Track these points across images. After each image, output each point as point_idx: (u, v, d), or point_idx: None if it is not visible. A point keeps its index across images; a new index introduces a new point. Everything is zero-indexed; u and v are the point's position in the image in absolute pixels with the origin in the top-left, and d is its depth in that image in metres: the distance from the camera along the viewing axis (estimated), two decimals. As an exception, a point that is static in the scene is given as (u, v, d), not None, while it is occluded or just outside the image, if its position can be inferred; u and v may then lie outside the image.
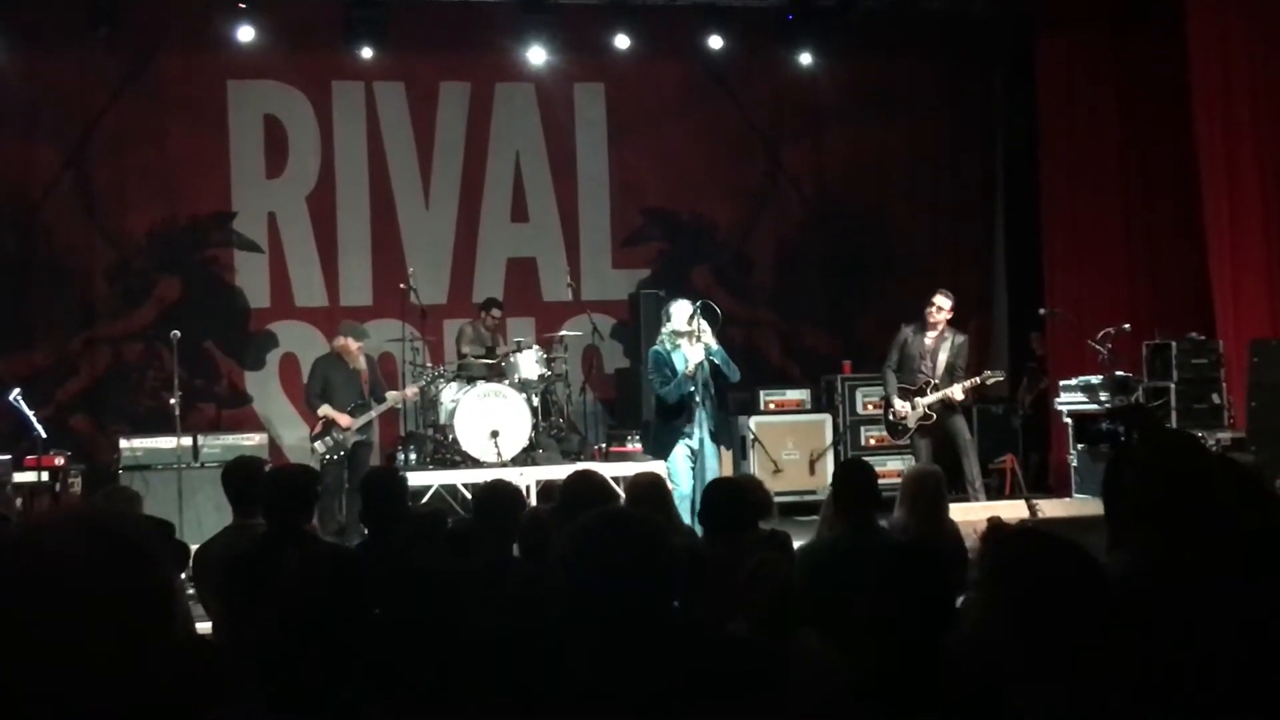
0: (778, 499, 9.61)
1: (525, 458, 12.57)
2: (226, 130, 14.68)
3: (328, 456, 12.06)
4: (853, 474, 6.22)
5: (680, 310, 10.28)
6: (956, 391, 11.70)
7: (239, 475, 6.46)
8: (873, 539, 5.65)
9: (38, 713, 1.54)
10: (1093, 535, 3.66)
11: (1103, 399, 12.45)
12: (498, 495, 5.97)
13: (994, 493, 13.26)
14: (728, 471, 11.92)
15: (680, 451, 10.16)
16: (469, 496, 12.33)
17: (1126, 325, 12.63)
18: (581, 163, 15.66)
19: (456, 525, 6.45)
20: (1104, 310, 13.64)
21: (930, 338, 11.99)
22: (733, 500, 5.85)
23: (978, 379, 11.80)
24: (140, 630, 1.62)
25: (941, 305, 11.93)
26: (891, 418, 12.15)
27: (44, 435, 12.03)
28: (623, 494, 7.29)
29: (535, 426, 12.82)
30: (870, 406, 14.35)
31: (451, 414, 12.63)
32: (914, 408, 11.91)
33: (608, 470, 10.05)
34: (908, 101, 16.16)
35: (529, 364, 13.03)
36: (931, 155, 16.33)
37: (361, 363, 12.37)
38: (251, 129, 14.77)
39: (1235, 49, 12.65)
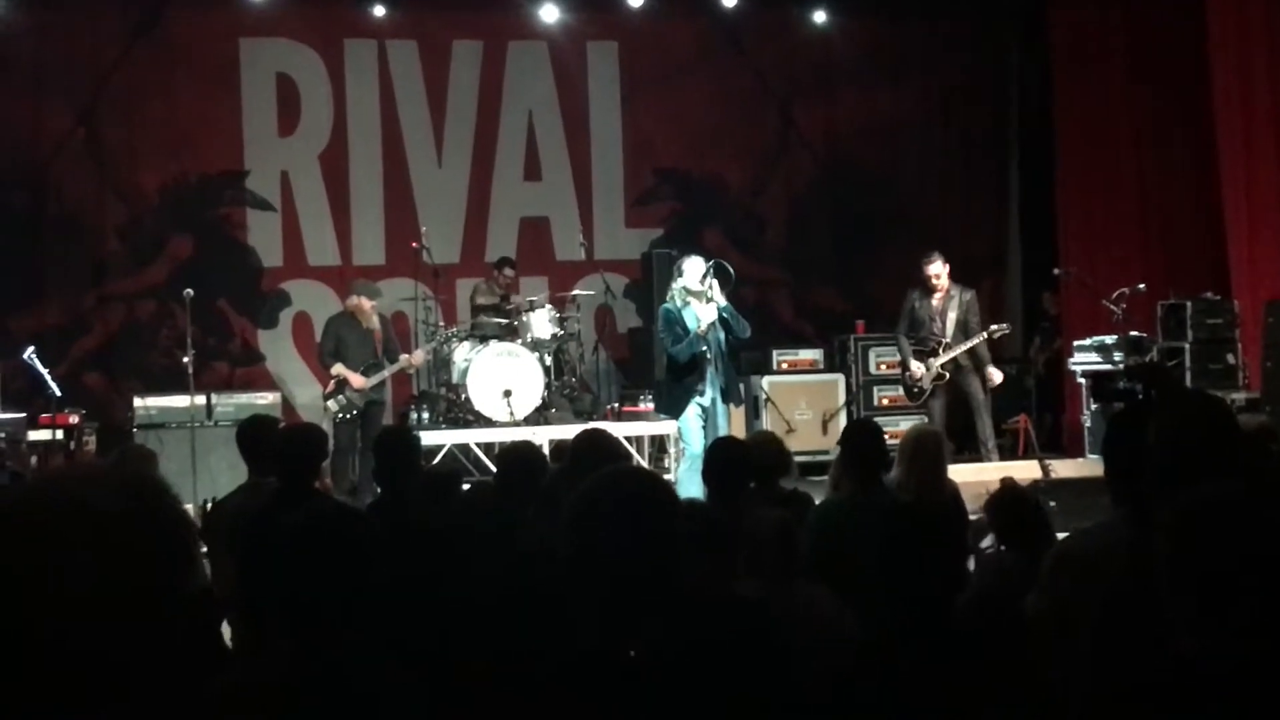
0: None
1: (538, 417, 12.60)
2: (239, 88, 14.67)
3: (340, 415, 12.12)
4: (860, 434, 6.25)
5: (694, 266, 10.25)
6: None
7: (252, 434, 6.50)
8: (879, 499, 5.67)
9: (64, 660, 1.58)
10: (1105, 496, 3.69)
11: (1117, 359, 12.45)
12: (521, 457, 5.99)
13: (1007, 453, 13.29)
14: (739, 430, 11.95)
15: (692, 411, 10.17)
16: (482, 456, 12.41)
17: (1141, 285, 12.62)
18: (594, 122, 15.64)
19: (475, 487, 6.48)
20: (1118, 270, 13.61)
21: (937, 298, 12.01)
22: (735, 460, 5.87)
23: (985, 333, 11.85)
24: (168, 585, 1.66)
25: (936, 272, 11.95)
26: (907, 380, 12.17)
27: (58, 393, 12.08)
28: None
29: (548, 386, 12.84)
30: (883, 366, 14.36)
31: (464, 373, 12.67)
32: (928, 369, 11.94)
33: (620, 430, 10.10)
34: (921, 61, 16.10)
35: (542, 323, 13.05)
36: (944, 115, 16.29)
37: (375, 322, 12.40)
38: (264, 87, 14.76)
39: (1254, 7, 12.57)
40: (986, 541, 5.99)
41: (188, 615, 1.66)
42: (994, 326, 11.99)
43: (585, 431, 6.18)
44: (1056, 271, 13.87)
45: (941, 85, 16.20)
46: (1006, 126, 16.57)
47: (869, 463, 5.94)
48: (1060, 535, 4.91)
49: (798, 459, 10.88)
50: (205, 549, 6.40)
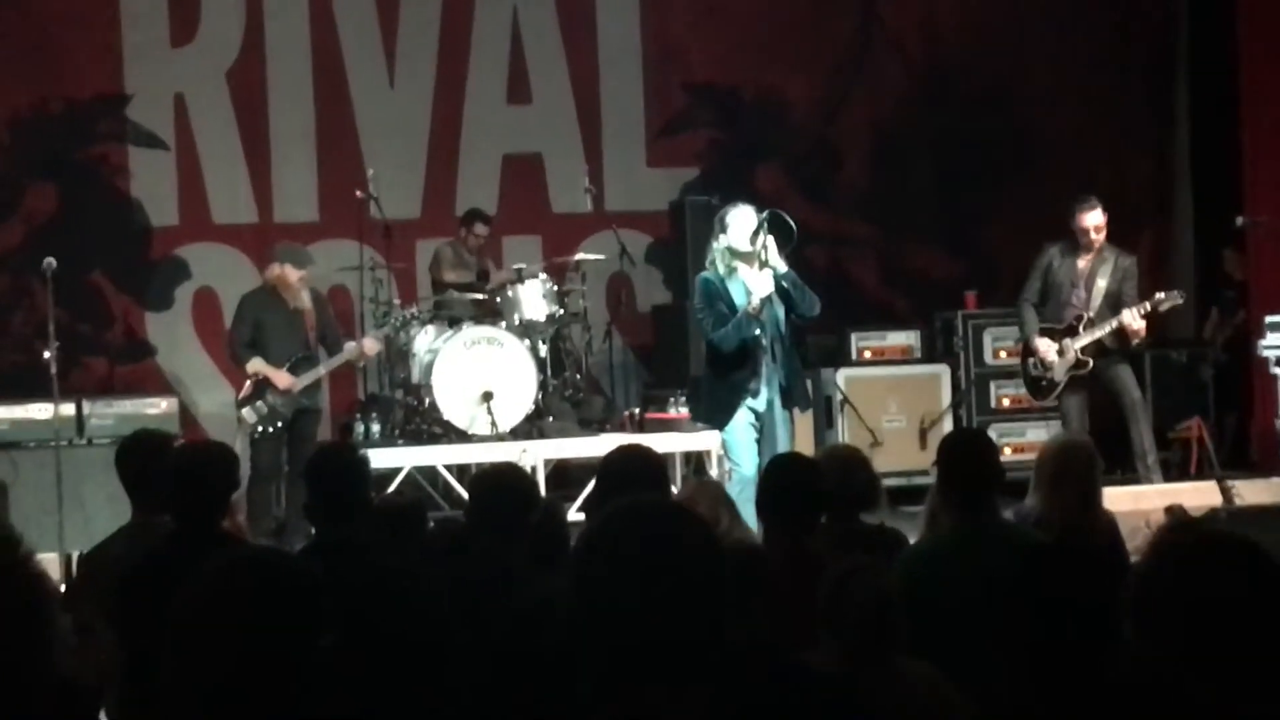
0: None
1: (529, 428, 12.61)
2: (116, -18, 14.72)
3: (261, 429, 12.12)
4: (962, 449, 6.24)
5: (742, 220, 10.22)
6: (1132, 317, 11.60)
7: (139, 455, 6.50)
8: (996, 535, 5.67)
9: None
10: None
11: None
12: (501, 485, 6.01)
13: (1174, 471, 13.25)
14: (806, 445, 11.94)
15: (741, 418, 10.15)
16: (453, 482, 12.41)
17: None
18: (603, 22, 15.64)
19: (443, 525, 6.51)
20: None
21: (1085, 259, 11.95)
22: (801, 485, 5.88)
23: (1148, 304, 11.75)
24: (9, 666, 1.67)
25: (1096, 223, 11.88)
26: (1033, 369, 12.14)
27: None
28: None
29: (543, 386, 12.85)
30: (1004, 354, 14.33)
31: (428, 369, 12.67)
32: (1062, 353, 11.89)
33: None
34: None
35: (534, 299, 13.05)
36: (1087, 6, 16.23)
37: (305, 300, 12.40)
38: (150, -20, 14.81)
39: None
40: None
41: (44, 716, 1.67)
42: (1160, 295, 11.92)
43: (621, 449, 6.22)
44: (1240, 221, 13.80)
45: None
46: (1172, 25, 16.50)
47: (978, 486, 5.93)
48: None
49: (888, 482, 10.89)
50: (71, 619, 6.42)
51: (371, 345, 12.83)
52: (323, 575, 3.32)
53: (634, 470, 5.96)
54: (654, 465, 6.05)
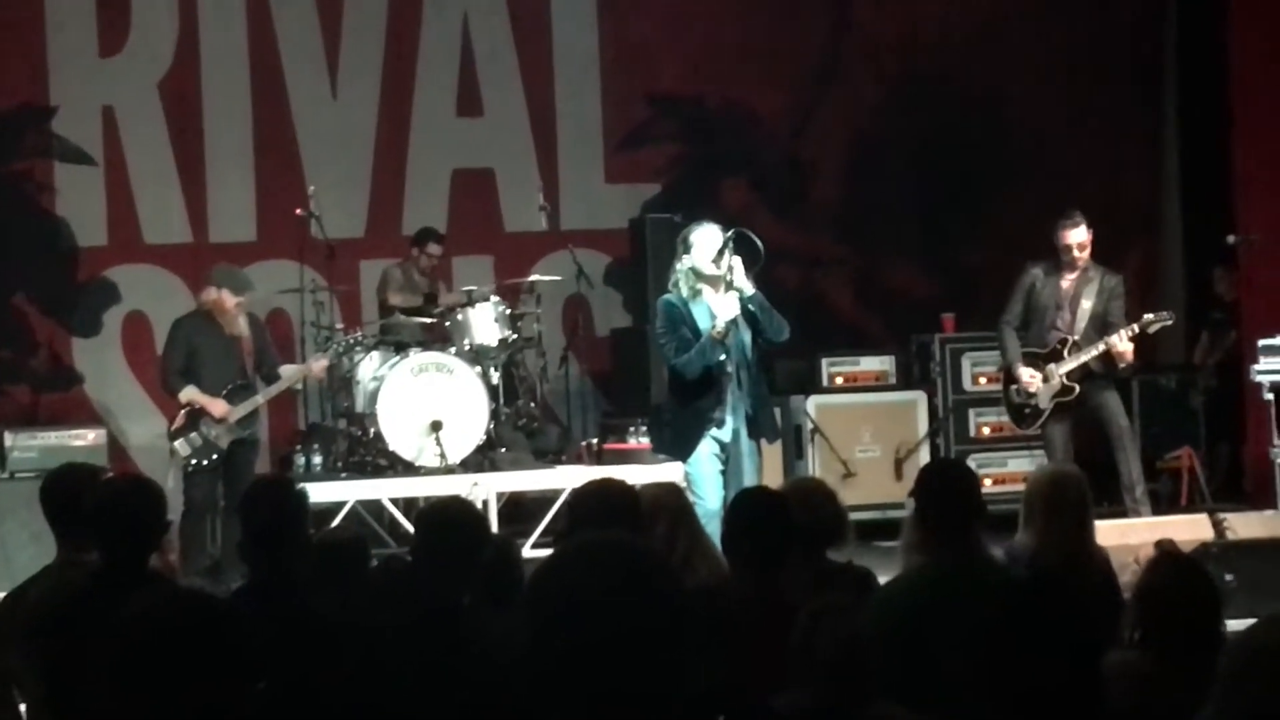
0: (850, 516, 9.63)
1: (481, 460, 12.60)
2: (40, -14, 14.70)
3: (194, 461, 12.09)
4: (941, 480, 6.25)
5: (706, 239, 10.23)
6: (1120, 340, 11.66)
7: (64, 490, 6.47)
8: (978, 573, 5.67)
9: None
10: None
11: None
12: (449, 521, 5.99)
13: (1163, 502, 13.28)
14: (774, 477, 11.94)
15: (706, 449, 10.16)
16: (400, 517, 12.38)
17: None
18: (559, 29, 15.65)
19: (387, 563, 6.48)
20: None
21: (1069, 279, 11.99)
22: (768, 519, 5.88)
23: (1136, 326, 11.79)
24: None
25: (1079, 240, 11.91)
26: (1015, 396, 12.16)
27: None
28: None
29: (495, 415, 12.84)
30: (983, 380, 14.35)
31: (373, 397, 12.65)
32: (1047, 379, 11.92)
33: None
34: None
35: (485, 323, 13.05)
36: (1071, 14, 16.29)
37: (242, 325, 12.38)
38: (77, -15, 14.79)
39: None
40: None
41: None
42: (1148, 316, 11.96)
43: (592, 484, 6.23)
44: (1231, 239, 13.86)
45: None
46: (1161, 36, 16.57)
47: (958, 520, 5.93)
48: (1236, 625, 4.88)
49: (862, 515, 10.92)
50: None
51: (320, 365, 12.81)
52: (256, 617, 3.30)
53: (605, 506, 5.95)
54: (627, 500, 6.03)
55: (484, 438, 12.67)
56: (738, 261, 10.11)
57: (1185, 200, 16.40)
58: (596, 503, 6.01)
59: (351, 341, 13.19)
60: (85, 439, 12.89)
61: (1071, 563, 6.30)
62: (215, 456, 12.15)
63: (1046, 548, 6.37)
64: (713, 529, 8.42)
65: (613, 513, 5.86)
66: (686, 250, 10.28)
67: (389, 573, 6.31)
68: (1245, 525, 10.81)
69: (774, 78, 16.02)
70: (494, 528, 10.99)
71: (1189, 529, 10.29)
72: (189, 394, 12.15)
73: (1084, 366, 11.87)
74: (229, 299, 12.33)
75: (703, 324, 10.08)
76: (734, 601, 4.35)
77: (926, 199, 16.07)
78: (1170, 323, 12.36)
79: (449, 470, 12.28)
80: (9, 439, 12.67)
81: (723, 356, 10.07)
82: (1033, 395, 12.00)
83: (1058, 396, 11.92)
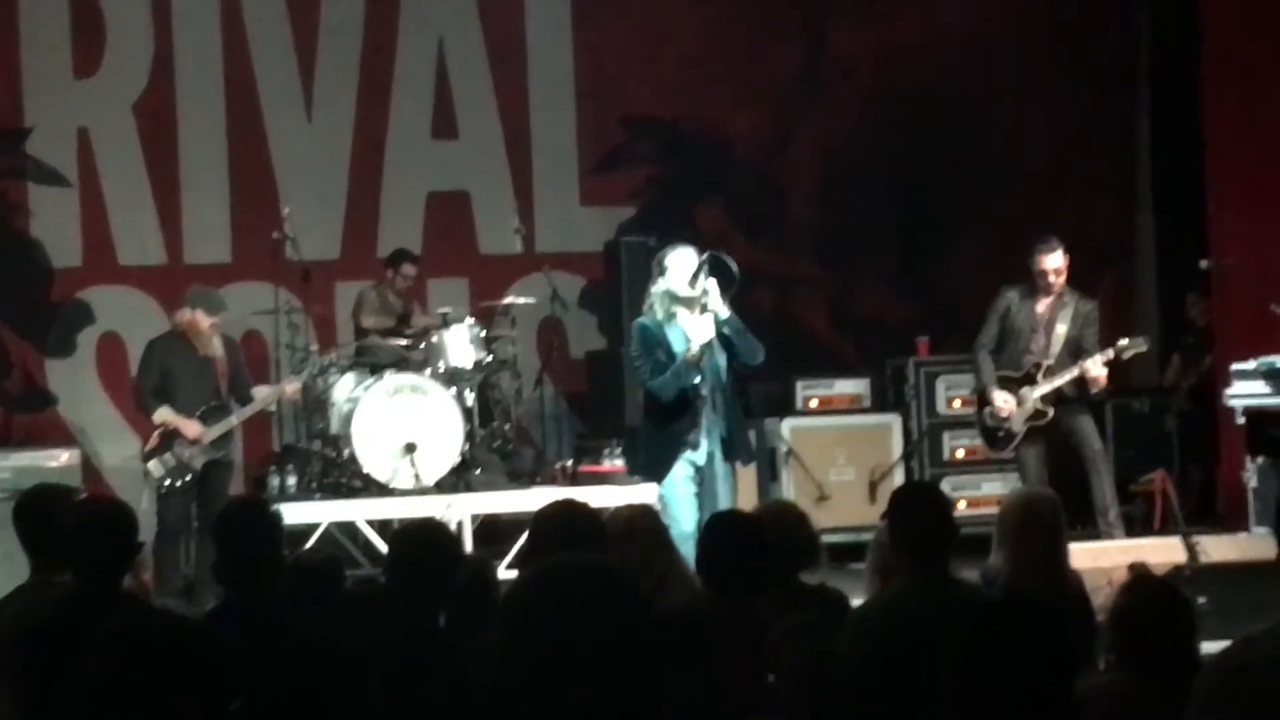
0: (824, 539, 9.65)
1: (455, 481, 12.58)
2: (15, 6, 14.65)
3: (169, 482, 12.08)
4: (912, 503, 6.25)
5: (681, 262, 10.24)
6: (1094, 365, 11.67)
7: (37, 511, 6.46)
8: (951, 596, 5.67)
9: None
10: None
11: (1295, 389, 12.48)
12: (423, 542, 6.00)
13: (1137, 526, 13.29)
14: (749, 500, 11.94)
15: (680, 472, 10.16)
16: (374, 538, 12.36)
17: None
18: (534, 51, 15.66)
19: (361, 584, 6.47)
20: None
21: (1044, 304, 12.01)
22: (742, 541, 5.88)
23: (1111, 351, 11.82)
24: None
25: (1056, 266, 11.93)
26: (989, 419, 12.17)
27: None
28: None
29: (470, 436, 12.83)
30: (957, 403, 14.37)
31: (348, 419, 12.64)
32: (1020, 403, 11.93)
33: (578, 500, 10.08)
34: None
35: (460, 345, 13.04)
36: (1048, 35, 16.33)
37: (217, 346, 12.37)
38: (52, 5, 14.75)
39: None
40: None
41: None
42: (1123, 342, 11.99)
43: (554, 505, 6.22)
44: (1205, 264, 13.88)
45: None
46: (1133, 55, 16.61)
47: (930, 544, 5.94)
48: (1211, 646, 4.90)
49: (836, 538, 10.93)
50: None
51: (294, 386, 12.80)
52: (230, 638, 3.30)
53: (568, 528, 5.96)
54: (589, 522, 6.03)
55: (459, 459, 12.65)
56: (713, 284, 10.13)
57: (1159, 226, 16.43)
58: (559, 524, 6.01)
59: (326, 363, 13.19)
60: (59, 460, 12.86)
61: (1046, 586, 6.31)
62: (189, 477, 12.13)
63: (1020, 571, 6.38)
64: (687, 551, 8.43)
65: (576, 535, 5.86)
66: (662, 273, 10.29)
67: (364, 594, 6.29)
68: (1218, 548, 10.82)
69: (748, 100, 16.03)
70: (469, 549, 10.99)
71: (1162, 552, 10.30)
72: (163, 415, 12.14)
73: (1057, 390, 11.88)
74: (203, 320, 12.33)
75: (678, 347, 10.10)
76: (708, 623, 4.36)
77: (901, 223, 16.09)
78: (1145, 349, 12.40)
79: (423, 491, 12.27)
80: (-18, 460, 12.64)
81: (698, 379, 10.09)
82: (1006, 419, 12.01)
83: (1031, 420, 11.93)
